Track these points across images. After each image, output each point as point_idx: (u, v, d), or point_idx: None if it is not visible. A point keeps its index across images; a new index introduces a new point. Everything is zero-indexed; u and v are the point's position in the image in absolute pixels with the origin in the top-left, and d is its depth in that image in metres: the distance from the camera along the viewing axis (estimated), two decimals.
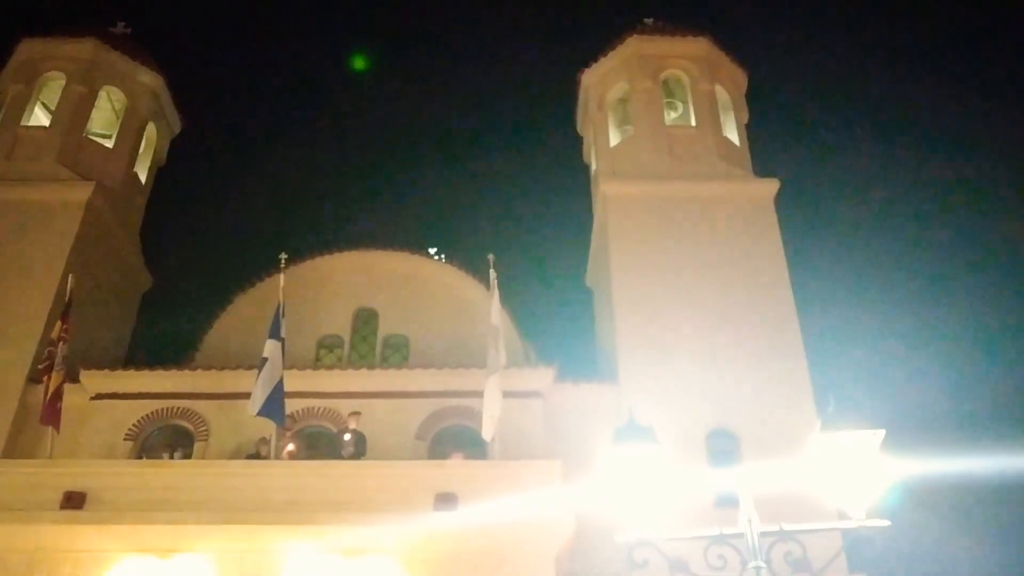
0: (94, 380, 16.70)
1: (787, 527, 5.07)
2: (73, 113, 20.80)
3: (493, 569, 12.83)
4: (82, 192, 19.09)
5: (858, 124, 49.73)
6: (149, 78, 22.42)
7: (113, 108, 22.06)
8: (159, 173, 23.78)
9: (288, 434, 15.13)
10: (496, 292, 15.81)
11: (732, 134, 21.66)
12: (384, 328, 18.94)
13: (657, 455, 5.11)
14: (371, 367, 17.35)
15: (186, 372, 16.96)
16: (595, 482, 5.30)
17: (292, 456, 14.74)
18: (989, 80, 48.80)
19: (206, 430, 16.25)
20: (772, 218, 19.43)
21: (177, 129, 24.18)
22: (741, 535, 5.04)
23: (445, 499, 13.19)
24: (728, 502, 5.20)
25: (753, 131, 22.54)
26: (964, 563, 34.28)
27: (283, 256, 16.53)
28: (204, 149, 46.52)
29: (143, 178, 22.70)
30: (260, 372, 14.28)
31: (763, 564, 4.92)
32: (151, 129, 23.00)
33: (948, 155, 47.05)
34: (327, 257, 19.72)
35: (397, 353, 18.54)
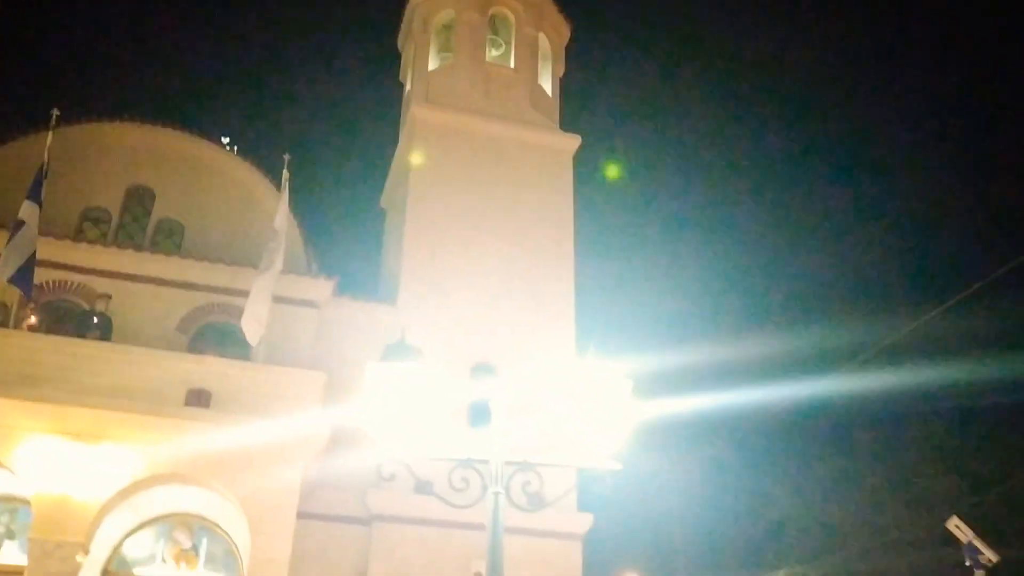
0: None
1: (530, 459, 5.37)
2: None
3: (238, 471, 12.70)
4: None
5: (669, 93, 52.18)
6: None
7: None
8: None
9: (33, 306, 13.99)
10: (286, 194, 15.34)
11: (547, 83, 22.07)
12: (159, 211, 17.79)
13: (422, 376, 5.22)
14: (139, 249, 16.30)
15: None
16: (357, 396, 5.33)
17: (33, 329, 13.68)
18: (799, 41, 52.64)
19: None
20: (569, 172, 20.20)
21: None
22: (486, 461, 5.28)
23: (198, 395, 12.84)
24: (478, 428, 5.45)
25: (566, 85, 23.13)
26: (683, 501, 37.94)
27: (55, 112, 15.02)
28: None
29: None
30: (13, 236, 13.04)
31: (502, 491, 5.19)
32: None
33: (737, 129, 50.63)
34: (106, 124, 18.10)
35: (170, 239, 17.51)
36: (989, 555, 12.16)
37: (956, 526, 12.47)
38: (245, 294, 14.42)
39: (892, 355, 23.94)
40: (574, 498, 16.27)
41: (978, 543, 12.20)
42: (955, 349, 28.60)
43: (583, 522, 16.53)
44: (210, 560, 13.79)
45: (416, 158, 19.09)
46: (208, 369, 13.37)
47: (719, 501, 36.88)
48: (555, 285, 18.51)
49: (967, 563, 12.31)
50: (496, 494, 5.18)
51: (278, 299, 14.71)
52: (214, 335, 15.78)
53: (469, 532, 14.62)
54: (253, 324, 13.72)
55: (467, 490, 5.26)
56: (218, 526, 13.87)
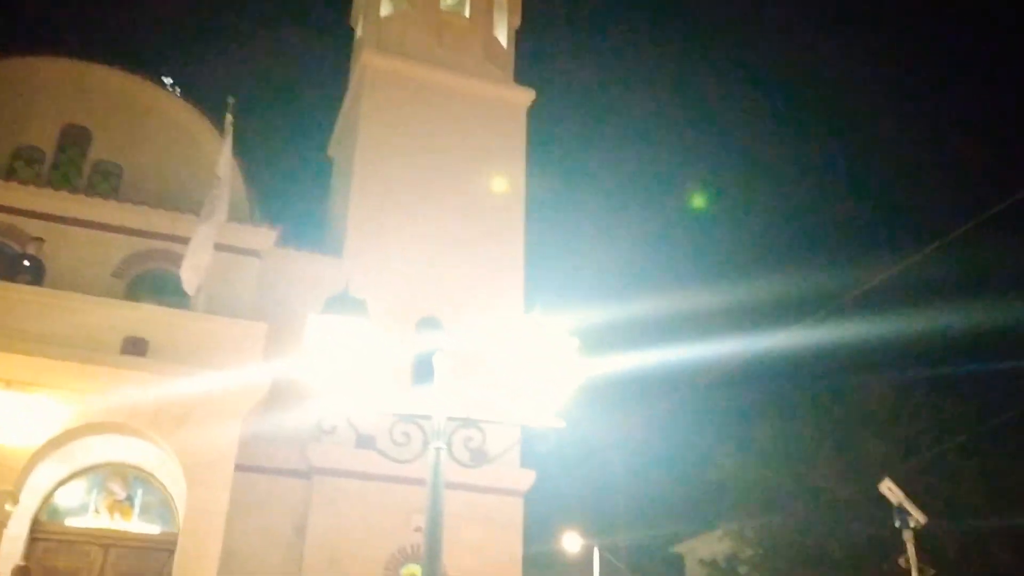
0: None
1: (473, 416, 5.27)
2: None
3: (175, 422, 12.44)
4: None
5: (625, 48, 51.92)
6: None
7: None
8: None
9: None
10: (229, 139, 14.86)
11: (501, 35, 21.68)
12: (96, 152, 17.13)
13: (364, 329, 5.06)
14: (74, 191, 15.70)
15: None
16: (299, 349, 5.16)
17: None
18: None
19: None
20: (522, 126, 19.94)
21: None
22: (428, 417, 5.17)
23: (135, 344, 12.50)
24: (422, 383, 5.33)
25: (521, 37, 22.73)
26: (626, 459, 38.52)
27: None
28: None
29: None
30: None
31: (444, 446, 5.08)
32: None
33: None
34: (40, 59, 17.31)
35: (106, 182, 16.90)
36: (917, 516, 12.49)
37: (888, 488, 12.76)
38: (185, 241, 14.01)
39: (834, 319, 24.37)
40: (517, 455, 16.33)
41: (908, 505, 12.51)
42: (892, 317, 29.27)
43: (525, 479, 16.62)
44: (145, 511, 13.56)
45: (367, 109, 18.65)
46: (145, 317, 13.00)
47: (662, 461, 37.55)
48: (505, 240, 18.36)
49: (896, 524, 12.64)
50: (438, 449, 5.07)
51: (219, 247, 14.31)
52: (152, 282, 15.34)
53: (410, 487, 14.57)
54: (192, 273, 13.35)
55: (408, 445, 5.14)
56: (154, 477, 13.61)
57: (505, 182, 19.00)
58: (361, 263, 16.69)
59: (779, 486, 26.74)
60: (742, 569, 28.48)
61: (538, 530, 26.58)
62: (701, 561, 31.50)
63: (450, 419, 5.18)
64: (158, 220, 15.43)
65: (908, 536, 12.45)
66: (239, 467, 13.23)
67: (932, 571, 12.88)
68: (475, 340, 14.98)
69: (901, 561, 12.50)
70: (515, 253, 18.38)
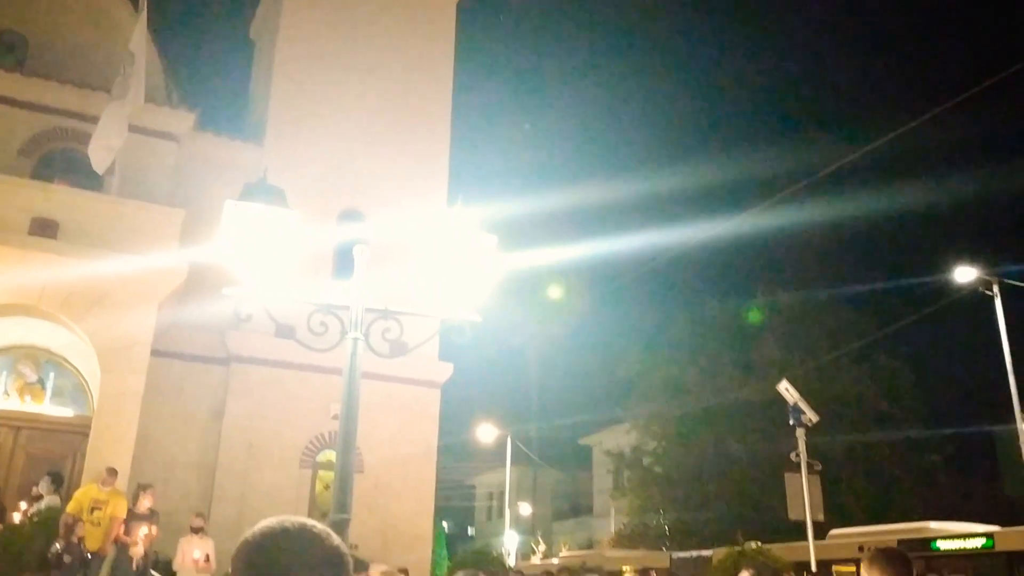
0: None
1: (391, 308, 5.39)
2: None
3: (88, 305, 12.24)
4: None
5: None
6: None
7: None
8: None
9: None
10: (144, 14, 14.15)
11: None
12: None
13: (282, 218, 5.08)
14: None
15: None
16: (217, 235, 5.15)
17: None
18: None
19: None
20: (451, 18, 19.46)
21: None
22: (347, 307, 5.27)
23: (44, 225, 12.14)
24: (343, 275, 5.40)
25: None
26: (542, 354, 39.49)
27: None
28: None
29: None
30: None
31: (361, 336, 5.21)
32: None
33: None
34: None
35: (11, 54, 15.97)
36: (810, 415, 13.32)
37: (786, 388, 13.53)
38: (96, 120, 13.48)
39: (749, 228, 25.08)
40: (435, 348, 16.61)
41: (802, 405, 13.32)
42: (799, 230, 30.23)
43: (443, 371, 16.98)
44: (57, 394, 13.45)
45: None
46: (55, 198, 12.60)
47: (575, 356, 38.60)
48: (430, 133, 18.15)
49: (791, 422, 13.46)
50: (355, 340, 5.19)
51: (135, 129, 13.84)
52: (62, 163, 14.78)
53: (329, 376, 14.70)
54: (103, 153, 12.91)
55: (326, 335, 5.25)
56: (66, 360, 13.46)
57: (433, 73, 18.66)
58: (282, 151, 16.35)
59: (685, 384, 27.93)
60: (646, 460, 29.95)
61: (454, 421, 27.30)
62: (608, 452, 32.95)
63: (368, 310, 5.29)
64: (67, 96, 14.76)
65: (800, 433, 13.29)
66: (156, 352, 13.19)
67: (819, 466, 13.83)
68: (396, 233, 14.99)
69: (792, 456, 13.36)
70: (440, 147, 18.23)
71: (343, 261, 15.44)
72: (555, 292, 36.25)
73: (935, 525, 14.64)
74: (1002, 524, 16.28)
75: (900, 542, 13.58)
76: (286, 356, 14.67)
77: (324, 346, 5.40)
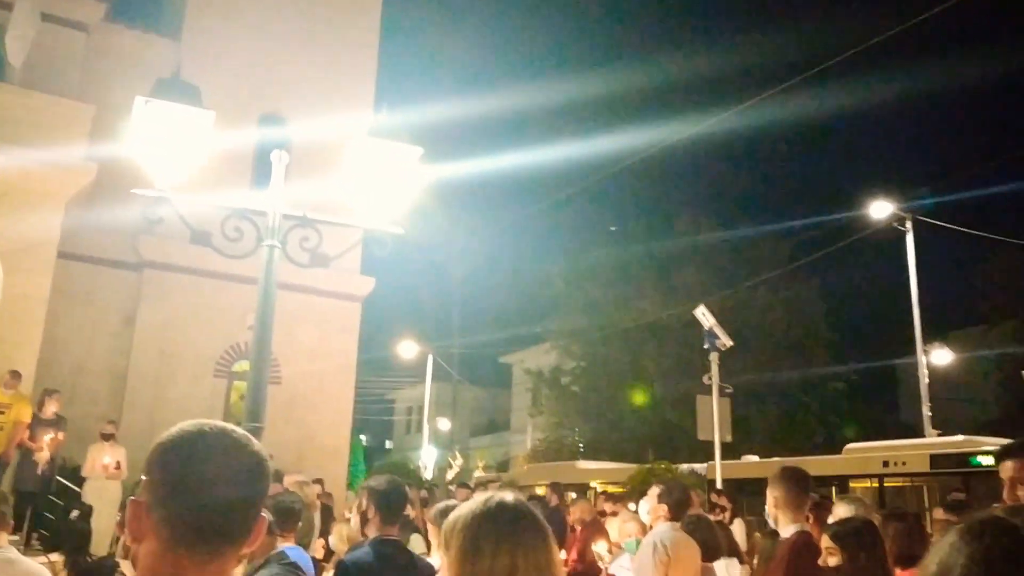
0: None
1: (310, 215, 5.22)
2: None
3: None
4: None
5: None
6: None
7: None
8: None
9: None
10: None
11: None
12: None
13: (196, 117, 4.82)
14: None
15: None
16: (128, 132, 4.86)
17: None
18: None
19: None
20: None
21: None
22: (264, 214, 5.08)
23: None
24: (262, 183, 5.17)
25: None
26: (465, 271, 39.51)
27: None
28: None
29: None
30: None
31: (278, 244, 5.04)
32: None
33: None
34: None
35: None
36: (724, 340, 13.69)
37: (702, 313, 13.84)
38: (6, 7, 12.58)
39: (676, 153, 25.21)
40: (357, 261, 16.38)
41: (717, 330, 13.67)
42: (722, 160, 30.58)
43: (364, 285, 16.81)
44: None
45: None
46: None
47: (498, 275, 38.71)
48: (358, 35, 17.49)
49: (705, 346, 13.81)
50: (271, 247, 5.02)
51: (44, 16, 12.95)
52: None
53: (247, 285, 14.33)
54: (19, 42, 12.07)
55: (241, 241, 5.06)
56: None
57: None
58: (199, 48, 15.58)
59: (606, 307, 28.38)
60: (564, 379, 30.54)
61: (375, 336, 27.23)
62: (528, 371, 33.45)
63: (286, 217, 5.12)
64: None
65: (714, 357, 13.68)
66: (64, 255, 12.69)
67: (730, 389, 14.29)
68: (319, 141, 14.54)
69: (705, 379, 13.77)
70: (368, 52, 17.62)
71: (262, 168, 14.85)
72: (480, 208, 36.08)
73: (976, 439, 13.51)
74: None
75: (933, 457, 12.92)
76: (202, 263, 14.27)
77: (239, 253, 5.22)
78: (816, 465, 12.84)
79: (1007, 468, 2.88)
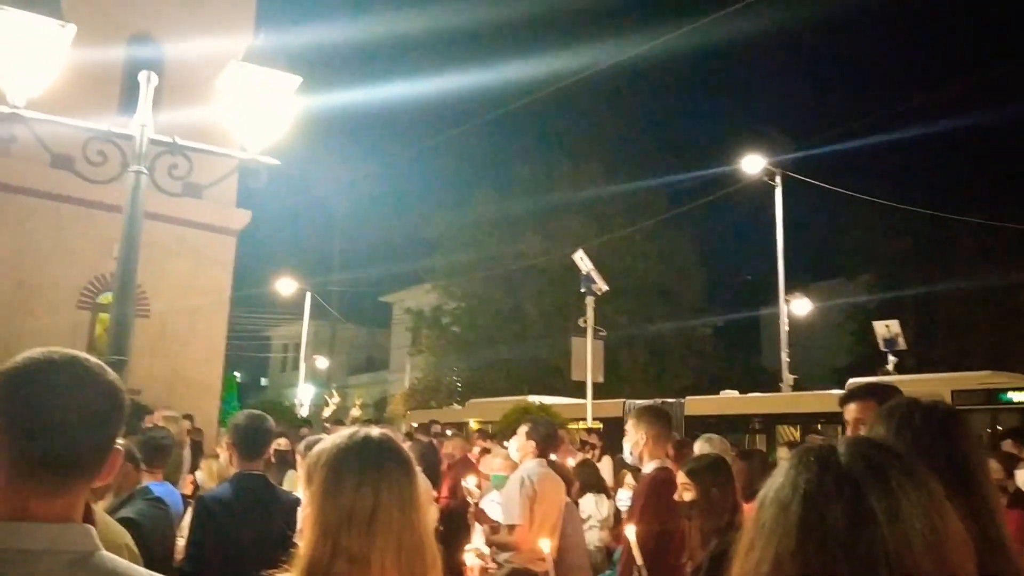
0: None
1: (180, 141, 5.01)
2: None
3: None
4: None
5: None
6: None
7: None
8: None
9: None
10: None
11: None
12: None
13: (53, 29, 4.50)
14: None
15: None
16: None
17: None
18: None
19: None
20: None
21: None
22: (131, 138, 4.84)
23: None
24: (131, 108, 4.88)
25: None
26: (347, 208, 38.79)
27: None
28: None
29: None
30: None
31: (145, 171, 4.82)
32: None
33: None
34: None
35: None
36: (601, 285, 14.01)
37: (580, 258, 14.10)
38: None
39: (559, 99, 25.33)
40: (233, 193, 15.83)
41: (594, 275, 13.96)
42: (602, 109, 30.97)
43: (240, 217, 16.30)
44: None
45: None
46: None
47: (380, 213, 38.24)
48: None
49: (582, 290, 14.11)
50: (137, 173, 4.80)
51: None
52: None
53: (114, 214, 13.66)
54: None
55: (104, 165, 4.82)
56: None
57: None
58: None
59: (487, 249, 28.54)
60: (445, 320, 30.69)
61: (251, 271, 26.56)
62: (408, 310, 33.44)
63: (154, 142, 4.89)
64: None
65: (590, 301, 13.98)
66: None
67: (603, 332, 14.68)
68: (193, 64, 13.86)
69: (580, 321, 14.08)
70: None
71: (131, 91, 14.09)
72: (364, 145, 35.42)
73: (1002, 376, 13.27)
74: (761, 392, 18.14)
75: (955, 393, 12.37)
76: (63, 189, 13.47)
77: (103, 178, 4.98)
78: (822, 401, 13.04)
79: (851, 410, 3.07)
